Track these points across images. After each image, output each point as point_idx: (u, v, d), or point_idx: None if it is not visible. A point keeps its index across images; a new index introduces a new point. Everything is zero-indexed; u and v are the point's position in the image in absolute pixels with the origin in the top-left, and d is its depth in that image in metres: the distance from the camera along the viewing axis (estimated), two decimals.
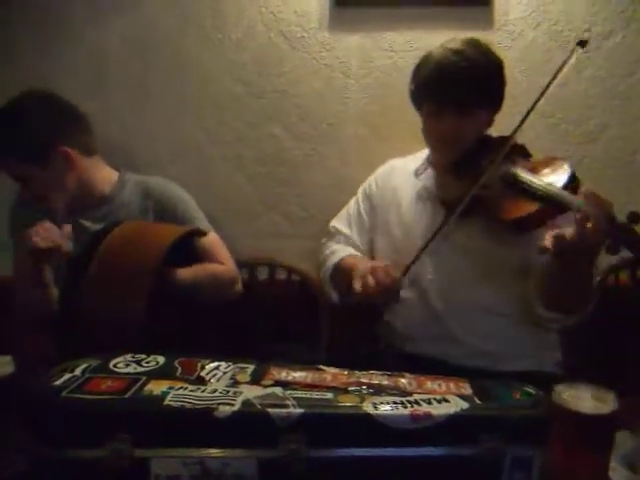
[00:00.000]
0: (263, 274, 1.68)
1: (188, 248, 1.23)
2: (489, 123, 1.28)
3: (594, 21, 1.56)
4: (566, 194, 1.04)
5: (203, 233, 1.29)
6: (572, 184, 1.09)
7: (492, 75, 1.23)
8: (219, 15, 1.63)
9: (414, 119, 1.62)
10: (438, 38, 1.57)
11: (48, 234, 1.13)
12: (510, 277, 1.21)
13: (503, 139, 1.22)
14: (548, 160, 1.18)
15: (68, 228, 1.17)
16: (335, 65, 1.63)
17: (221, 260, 1.32)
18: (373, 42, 1.61)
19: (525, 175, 1.14)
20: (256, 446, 0.69)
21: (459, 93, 1.19)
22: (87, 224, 1.32)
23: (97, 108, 1.63)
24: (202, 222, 1.37)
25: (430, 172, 1.34)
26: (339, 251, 1.40)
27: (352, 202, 1.47)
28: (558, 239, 0.96)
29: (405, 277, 1.16)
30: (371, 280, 1.12)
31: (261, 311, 1.64)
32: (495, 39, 1.57)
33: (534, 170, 1.16)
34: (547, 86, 1.17)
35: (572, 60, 1.17)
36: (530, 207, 1.10)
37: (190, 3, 1.64)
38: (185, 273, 1.20)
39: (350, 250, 1.39)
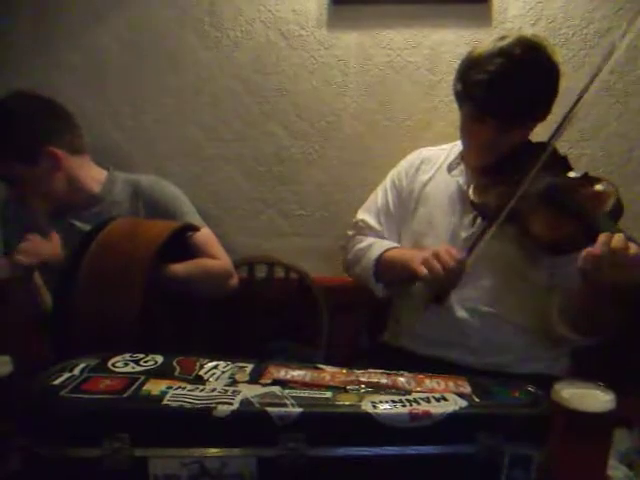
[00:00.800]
0: (261, 272, 1.68)
1: (181, 244, 1.23)
2: (532, 130, 1.21)
3: (592, 18, 1.55)
4: (609, 220, 0.97)
5: (196, 228, 1.28)
6: (617, 210, 1.02)
7: (548, 87, 1.13)
8: (216, 13, 1.63)
9: (413, 117, 1.63)
10: (436, 35, 1.59)
11: (33, 249, 1.16)
12: (533, 291, 1.18)
13: (543, 145, 1.15)
14: (593, 179, 1.10)
15: (55, 238, 1.19)
16: (333, 63, 1.63)
17: (215, 255, 1.31)
18: (371, 40, 1.61)
19: (567, 192, 1.07)
20: (255, 445, 0.69)
21: (509, 108, 1.10)
22: (78, 224, 1.32)
23: (95, 107, 1.63)
24: (194, 218, 1.36)
25: (463, 168, 1.28)
26: (377, 243, 1.33)
27: (380, 192, 1.39)
28: (589, 258, 0.93)
29: (470, 259, 1.10)
30: (436, 263, 1.07)
31: (259, 309, 1.64)
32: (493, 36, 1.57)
33: (577, 187, 1.09)
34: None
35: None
36: (567, 228, 1.03)
37: (188, 2, 1.63)
38: (179, 268, 1.19)
39: (388, 242, 1.33)
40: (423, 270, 1.09)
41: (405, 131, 1.64)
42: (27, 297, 1.20)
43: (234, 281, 1.36)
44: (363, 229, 1.38)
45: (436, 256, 1.09)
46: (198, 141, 1.69)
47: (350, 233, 1.42)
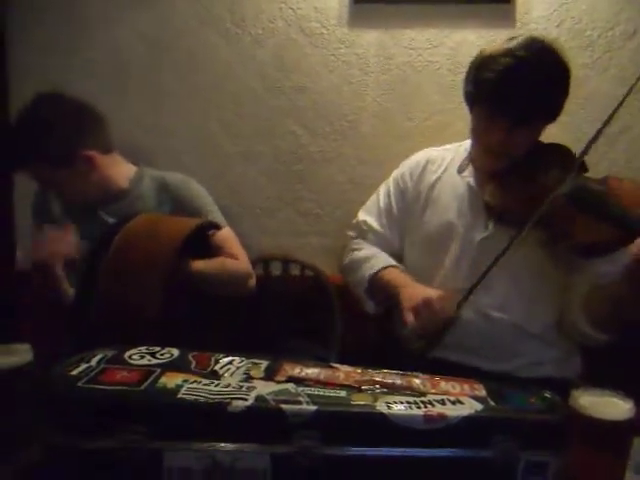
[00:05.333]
0: (277, 270, 1.68)
1: (203, 242, 1.24)
2: (541, 132, 1.20)
3: (617, 20, 1.53)
4: None
5: (218, 226, 1.29)
6: None
7: (557, 86, 1.14)
8: (238, 11, 1.63)
9: (433, 117, 1.62)
10: (458, 36, 1.58)
11: (46, 246, 1.20)
12: (547, 297, 1.17)
13: (552, 147, 1.16)
14: (620, 180, 1.11)
15: (70, 234, 1.23)
16: (354, 62, 1.63)
17: (235, 255, 1.32)
18: (392, 39, 1.61)
19: (602, 194, 1.07)
20: (269, 441, 0.69)
21: (517, 107, 1.10)
22: (106, 217, 1.34)
23: (115, 105, 1.64)
24: (217, 217, 1.37)
25: (472, 170, 1.26)
26: (374, 258, 1.31)
27: (382, 193, 1.37)
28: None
29: (461, 308, 1.09)
30: (425, 313, 1.07)
31: (274, 306, 1.64)
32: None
33: (610, 189, 1.08)
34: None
35: None
36: (606, 231, 1.02)
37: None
38: (200, 265, 1.20)
39: (386, 257, 1.31)
40: (410, 318, 1.09)
41: (425, 131, 1.63)
42: (48, 287, 1.22)
43: (252, 282, 1.36)
44: (364, 232, 1.37)
45: (426, 307, 1.08)
46: (218, 138, 1.70)
47: (351, 234, 1.41)
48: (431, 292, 1.13)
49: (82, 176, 1.30)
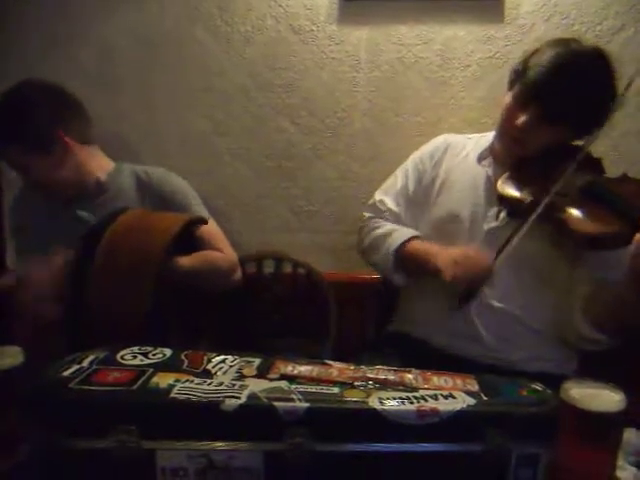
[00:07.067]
0: (269, 268, 1.68)
1: (187, 236, 1.23)
2: (569, 140, 1.21)
3: (605, 15, 1.54)
4: None
5: (204, 221, 1.28)
6: None
7: (598, 98, 1.14)
8: (227, 8, 1.62)
9: (423, 113, 1.62)
10: (448, 31, 1.58)
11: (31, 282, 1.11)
12: (551, 293, 1.18)
13: (574, 148, 1.17)
14: (633, 179, 1.12)
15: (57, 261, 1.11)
16: (344, 59, 1.62)
17: (220, 248, 1.31)
18: (382, 35, 1.60)
19: (613, 189, 1.08)
20: (262, 439, 0.69)
21: (555, 98, 1.11)
22: (84, 214, 1.32)
23: (105, 102, 1.64)
24: (201, 210, 1.36)
25: (492, 160, 1.27)
26: (397, 231, 1.30)
27: (400, 174, 1.37)
28: None
29: (496, 262, 1.11)
30: (465, 268, 1.10)
31: (267, 305, 1.64)
32: (505, 33, 1.56)
33: (622, 185, 1.10)
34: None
35: None
36: (614, 225, 1.03)
37: None
38: (186, 261, 1.19)
39: (407, 229, 1.31)
40: (450, 273, 1.10)
41: (415, 127, 1.63)
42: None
43: (238, 275, 1.36)
44: (381, 211, 1.36)
45: (465, 260, 1.10)
46: (208, 136, 1.69)
47: (367, 215, 1.40)
48: (467, 249, 1.15)
49: (58, 162, 1.27)
